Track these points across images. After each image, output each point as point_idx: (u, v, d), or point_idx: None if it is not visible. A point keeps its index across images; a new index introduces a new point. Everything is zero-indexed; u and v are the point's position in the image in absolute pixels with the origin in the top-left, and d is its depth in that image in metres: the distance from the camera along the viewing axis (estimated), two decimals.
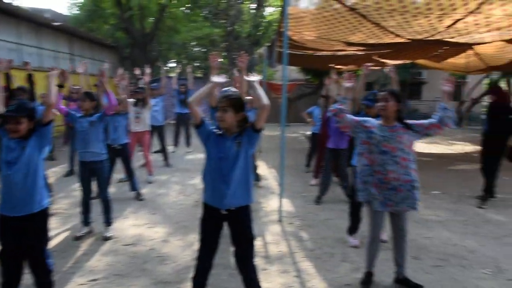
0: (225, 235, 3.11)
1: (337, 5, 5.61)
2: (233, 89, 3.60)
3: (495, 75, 20.76)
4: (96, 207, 4.97)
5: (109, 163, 5.44)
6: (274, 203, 6.15)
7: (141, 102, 7.26)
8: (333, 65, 11.17)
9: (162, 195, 6.69)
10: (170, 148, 9.89)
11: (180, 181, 7.68)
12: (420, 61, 12.14)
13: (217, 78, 3.10)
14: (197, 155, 9.99)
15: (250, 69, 3.30)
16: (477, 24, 5.91)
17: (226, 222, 3.04)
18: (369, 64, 4.32)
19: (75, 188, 6.51)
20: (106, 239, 4.71)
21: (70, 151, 7.83)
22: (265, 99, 2.85)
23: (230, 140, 2.90)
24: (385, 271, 3.85)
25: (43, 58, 13.63)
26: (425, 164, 9.93)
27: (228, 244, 3.17)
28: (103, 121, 4.75)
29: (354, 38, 7.20)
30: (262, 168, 8.69)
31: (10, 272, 3.02)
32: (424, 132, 3.43)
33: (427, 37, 6.80)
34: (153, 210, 5.88)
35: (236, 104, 2.89)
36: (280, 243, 4.72)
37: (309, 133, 9.23)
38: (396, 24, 6.09)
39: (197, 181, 7.32)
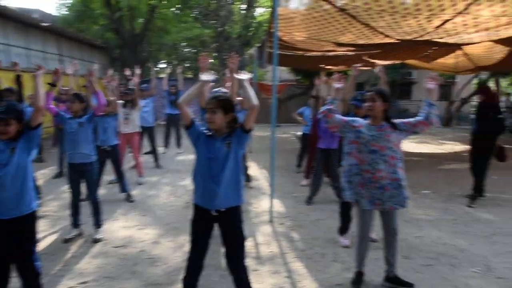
0: (215, 236, 3.10)
1: (327, 6, 5.63)
2: (224, 90, 3.59)
3: (484, 75, 20.97)
4: (86, 209, 4.93)
5: (99, 164, 5.40)
6: (265, 203, 6.14)
7: (130, 103, 7.22)
8: (323, 65, 11.21)
9: (153, 196, 6.66)
10: (160, 149, 9.86)
11: (171, 182, 7.64)
12: (410, 61, 12.23)
13: (205, 76, 3.09)
14: (188, 156, 9.96)
15: (240, 70, 3.28)
16: (465, 25, 5.96)
17: (217, 223, 3.03)
18: (357, 65, 4.33)
19: (65, 190, 6.45)
20: (96, 241, 4.67)
21: (59, 153, 7.76)
22: (254, 100, 2.85)
23: (220, 141, 2.90)
24: (375, 271, 3.86)
25: (32, 59, 13.49)
26: (415, 163, 9.99)
27: (219, 245, 3.16)
28: (92, 122, 4.72)
29: (344, 39, 7.22)
30: (253, 169, 8.69)
31: None
32: (412, 130, 3.48)
33: (416, 38, 6.84)
34: (144, 211, 5.85)
35: (225, 105, 2.89)
36: (271, 243, 4.71)
37: (299, 133, 9.25)
38: (386, 24, 6.13)
39: (188, 182, 7.30)
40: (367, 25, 6.21)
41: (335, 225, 4.84)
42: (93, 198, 4.80)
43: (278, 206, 6.12)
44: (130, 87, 7.55)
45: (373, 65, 10.22)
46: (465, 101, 18.78)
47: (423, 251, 4.49)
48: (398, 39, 7.03)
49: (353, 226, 4.50)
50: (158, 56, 24.56)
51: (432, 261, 4.23)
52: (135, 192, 6.73)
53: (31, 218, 3.07)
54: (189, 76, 21.41)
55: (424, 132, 3.58)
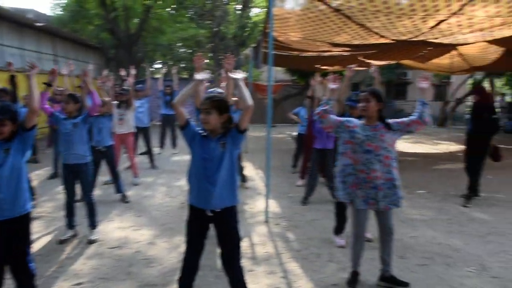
0: (211, 236, 3.09)
1: (322, 6, 5.64)
2: (219, 90, 3.59)
3: (478, 75, 21.08)
4: (81, 210, 4.91)
5: (94, 165, 5.38)
6: (261, 204, 6.14)
7: (124, 104, 7.18)
8: (319, 65, 11.23)
9: (148, 197, 6.64)
10: (156, 149, 9.83)
11: (166, 183, 7.63)
12: (405, 62, 12.28)
13: (200, 75, 3.08)
14: (183, 157, 9.94)
15: (236, 70, 3.27)
16: (460, 25, 5.98)
17: (213, 224, 3.02)
18: (352, 66, 4.35)
19: (59, 191, 6.42)
20: (91, 242, 4.65)
21: (54, 154, 7.73)
22: (249, 100, 2.85)
23: (215, 141, 2.89)
24: (371, 271, 3.86)
25: (26, 59, 13.43)
26: (410, 163, 10.02)
27: (215, 246, 3.16)
28: (87, 122, 4.70)
29: (339, 39, 7.24)
30: (249, 169, 8.68)
31: None
32: (406, 130, 3.51)
33: (411, 38, 6.87)
34: (139, 212, 5.83)
35: (220, 105, 2.88)
36: (266, 244, 4.71)
37: (295, 133, 9.25)
38: (381, 25, 6.15)
39: (183, 183, 7.28)
40: (362, 25, 6.23)
41: (331, 225, 4.84)
42: (88, 199, 4.78)
43: (274, 206, 6.12)
44: (124, 87, 7.53)
45: (368, 65, 10.24)
46: (460, 101, 18.89)
47: (418, 251, 4.50)
48: (393, 40, 7.06)
49: (349, 226, 4.51)
50: (154, 57, 24.55)
51: (427, 260, 4.25)
52: (130, 192, 6.71)
53: (26, 220, 3.05)
54: (185, 76, 21.38)
55: (418, 131, 3.60)
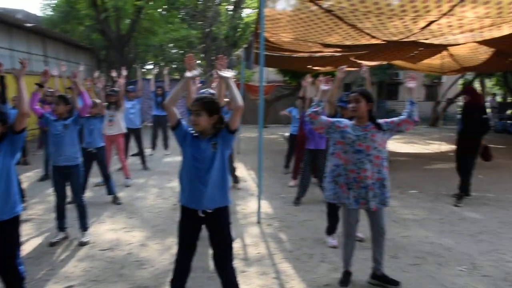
0: (203, 238, 3.08)
1: (313, 7, 5.65)
2: (211, 91, 3.58)
3: (469, 75, 21.25)
4: (72, 212, 4.87)
5: (85, 167, 5.34)
6: (253, 204, 6.13)
7: (114, 105, 7.13)
8: (310, 66, 11.25)
9: (140, 198, 6.61)
10: (147, 151, 9.79)
11: (158, 184, 7.60)
12: (397, 62, 12.33)
13: (190, 73, 3.06)
14: (175, 158, 9.91)
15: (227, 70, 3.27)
16: (450, 26, 6.02)
17: (205, 224, 3.01)
18: (343, 66, 4.36)
19: (50, 193, 6.36)
20: (82, 244, 4.62)
21: (44, 155, 7.67)
22: (239, 100, 2.84)
23: (206, 141, 2.89)
24: (363, 271, 3.87)
25: (16, 60, 13.32)
26: (402, 164, 10.07)
27: (207, 247, 3.15)
28: (78, 123, 4.67)
29: (330, 40, 7.25)
30: (241, 170, 8.68)
31: None
32: (396, 129, 3.53)
33: (402, 39, 6.90)
34: (131, 214, 5.80)
35: (210, 107, 2.87)
36: (259, 245, 4.71)
37: (287, 134, 9.26)
38: (372, 25, 6.17)
39: (175, 184, 7.25)
40: (353, 26, 6.24)
41: (323, 225, 4.85)
42: (78, 201, 4.74)
43: (266, 207, 6.11)
44: (114, 88, 7.48)
45: (360, 66, 10.27)
46: (451, 101, 19.00)
47: (410, 250, 4.52)
48: (384, 40, 7.08)
49: (340, 226, 4.53)
50: (145, 57, 24.48)
51: (419, 260, 4.27)
52: (122, 194, 6.67)
53: (15, 222, 3.03)
54: (176, 77, 21.32)
55: (408, 130, 3.62)
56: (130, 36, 19.27)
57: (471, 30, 6.18)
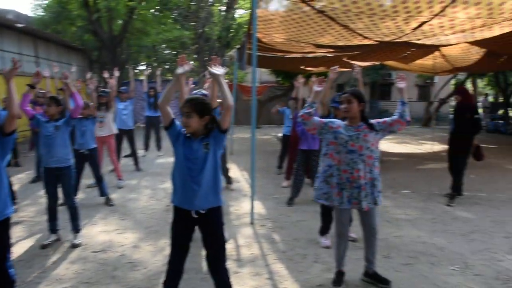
0: (196, 239, 3.07)
1: (306, 8, 5.66)
2: (204, 92, 3.57)
3: (461, 76, 21.39)
4: (64, 214, 4.84)
5: (77, 168, 5.31)
6: (246, 205, 6.13)
7: (104, 106, 7.09)
8: (303, 67, 11.26)
9: (133, 200, 6.58)
10: (140, 152, 9.75)
11: (151, 185, 7.57)
12: (389, 63, 12.38)
13: (181, 69, 3.04)
14: (168, 159, 9.88)
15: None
16: (442, 27, 6.05)
17: (198, 225, 3.00)
18: (335, 67, 4.37)
19: (42, 195, 6.31)
20: (75, 246, 4.59)
21: (36, 157, 7.61)
22: (229, 99, 2.84)
23: (198, 142, 2.88)
24: (356, 270, 3.87)
25: (6, 61, 13.21)
26: (394, 164, 10.11)
27: (200, 249, 3.14)
28: (69, 124, 4.64)
29: (323, 40, 7.27)
30: (234, 171, 8.67)
31: None
32: (388, 129, 3.55)
33: (395, 39, 6.92)
34: (123, 215, 5.77)
35: (200, 108, 2.86)
36: (252, 245, 4.70)
37: (280, 135, 9.26)
38: (364, 26, 6.19)
39: (168, 185, 7.22)
40: (346, 26, 6.26)
41: (316, 226, 4.85)
42: (70, 202, 4.71)
43: (259, 207, 6.11)
44: (105, 89, 7.43)
45: (352, 66, 10.30)
46: (443, 101, 19.12)
47: (403, 250, 4.53)
48: (376, 41, 7.11)
49: (333, 227, 4.53)
50: (138, 58, 24.39)
51: (412, 260, 4.28)
52: (114, 195, 6.64)
53: (6, 225, 2.99)
54: (169, 78, 21.26)
55: (400, 130, 3.64)
56: (123, 37, 19.18)
57: (463, 31, 6.22)
